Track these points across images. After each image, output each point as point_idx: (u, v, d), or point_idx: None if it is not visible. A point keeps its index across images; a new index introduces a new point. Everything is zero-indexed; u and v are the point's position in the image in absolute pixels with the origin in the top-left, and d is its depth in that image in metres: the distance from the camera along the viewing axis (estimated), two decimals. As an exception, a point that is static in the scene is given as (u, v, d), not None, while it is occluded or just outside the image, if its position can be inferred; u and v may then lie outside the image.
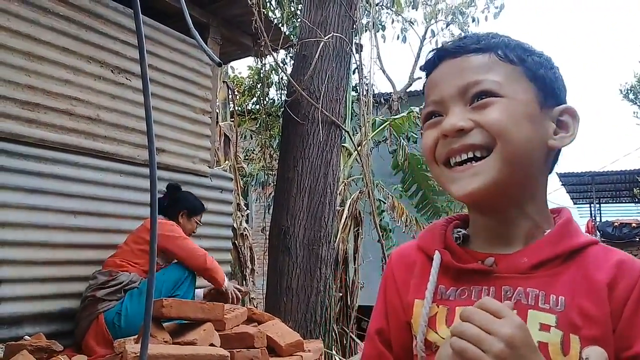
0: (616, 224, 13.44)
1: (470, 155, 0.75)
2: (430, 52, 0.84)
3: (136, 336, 2.42)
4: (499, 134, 0.74)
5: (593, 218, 14.73)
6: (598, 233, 13.74)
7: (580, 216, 16.82)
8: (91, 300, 2.81)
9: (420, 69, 0.88)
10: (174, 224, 3.13)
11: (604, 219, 15.10)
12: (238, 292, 3.29)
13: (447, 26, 9.54)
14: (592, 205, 15.12)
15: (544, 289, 0.73)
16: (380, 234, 5.30)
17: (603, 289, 0.71)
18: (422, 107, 0.90)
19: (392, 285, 0.86)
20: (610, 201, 16.55)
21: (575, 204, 16.84)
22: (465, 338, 0.63)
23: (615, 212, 16.16)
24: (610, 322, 0.70)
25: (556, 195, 16.02)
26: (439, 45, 0.88)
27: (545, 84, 0.79)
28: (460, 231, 0.85)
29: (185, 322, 2.64)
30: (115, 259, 2.94)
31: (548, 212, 0.82)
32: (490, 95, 0.75)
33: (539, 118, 0.77)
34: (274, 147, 6.75)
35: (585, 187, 14.97)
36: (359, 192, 5.71)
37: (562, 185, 14.59)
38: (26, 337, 2.74)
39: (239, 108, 7.32)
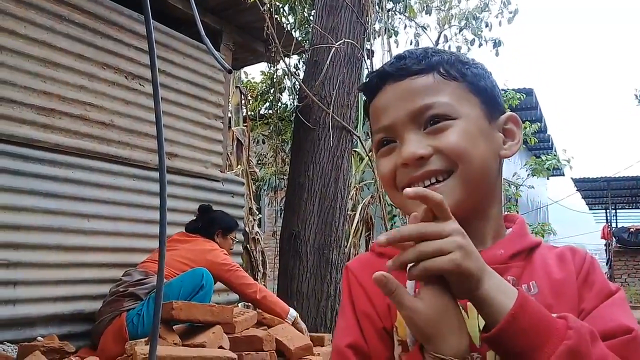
0: (632, 229, 13.26)
1: (433, 180, 0.76)
2: (369, 75, 0.82)
3: (147, 338, 2.46)
4: (459, 158, 0.74)
5: (609, 224, 14.54)
6: (614, 239, 13.57)
7: (596, 222, 16.59)
8: (118, 297, 2.84)
9: (359, 89, 0.86)
10: (225, 251, 3.21)
11: (619, 225, 14.91)
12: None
13: (460, 31, 9.49)
14: (607, 210, 14.92)
15: (519, 277, 0.76)
16: (392, 239, 5.28)
17: (568, 268, 0.78)
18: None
19: (361, 294, 0.81)
20: (626, 207, 16.32)
21: (590, 209, 16.63)
22: (422, 256, 0.62)
23: (632, 218, 15.96)
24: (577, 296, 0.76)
25: (571, 200, 15.77)
26: (382, 67, 0.85)
27: (488, 95, 0.80)
28: None
29: (197, 324, 2.68)
30: (154, 263, 2.98)
31: (502, 215, 0.86)
32: (443, 118, 0.76)
33: (489, 132, 0.79)
34: (286, 151, 6.78)
35: (600, 192, 14.77)
36: (371, 197, 5.71)
37: (577, 190, 14.42)
38: (39, 338, 2.79)
39: (252, 113, 7.37)
